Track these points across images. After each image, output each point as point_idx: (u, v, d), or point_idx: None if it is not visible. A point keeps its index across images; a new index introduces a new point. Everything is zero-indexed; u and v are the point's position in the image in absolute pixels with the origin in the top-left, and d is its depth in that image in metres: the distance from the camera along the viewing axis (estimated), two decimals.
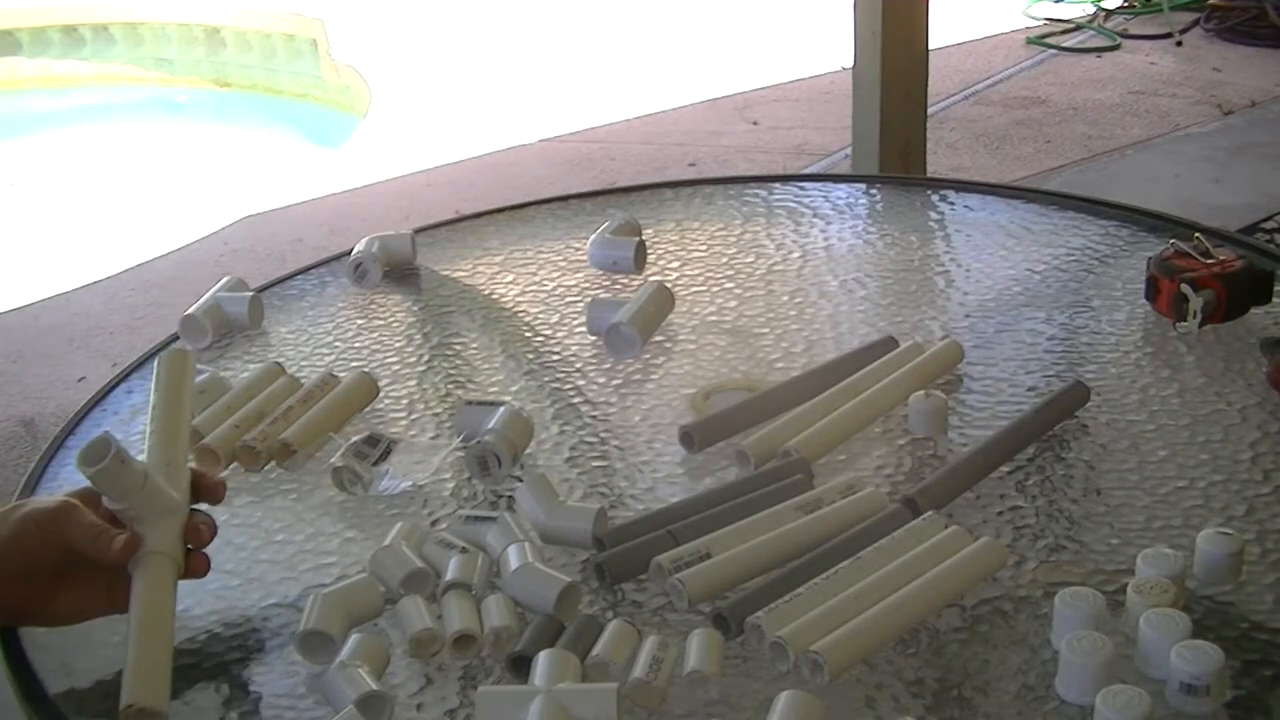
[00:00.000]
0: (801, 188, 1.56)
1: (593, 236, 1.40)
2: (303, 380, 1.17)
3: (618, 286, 1.36)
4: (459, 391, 1.19)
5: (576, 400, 1.16)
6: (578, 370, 1.21)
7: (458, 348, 1.28)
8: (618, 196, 1.65)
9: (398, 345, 1.28)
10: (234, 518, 1.04)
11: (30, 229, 4.39)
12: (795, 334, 1.24)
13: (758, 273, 1.36)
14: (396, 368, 1.24)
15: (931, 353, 1.14)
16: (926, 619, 0.86)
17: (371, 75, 5.47)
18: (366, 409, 1.16)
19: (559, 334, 1.28)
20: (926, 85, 3.21)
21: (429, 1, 6.39)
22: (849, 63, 3.22)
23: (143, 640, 0.83)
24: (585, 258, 1.40)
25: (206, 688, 0.87)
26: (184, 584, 0.90)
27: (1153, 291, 1.20)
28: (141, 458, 0.90)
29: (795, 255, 1.39)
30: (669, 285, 1.30)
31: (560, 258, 1.44)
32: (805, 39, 5.41)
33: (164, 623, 0.85)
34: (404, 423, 1.14)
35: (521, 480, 1.03)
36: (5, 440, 2.90)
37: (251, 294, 1.33)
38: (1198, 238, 1.21)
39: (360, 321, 1.33)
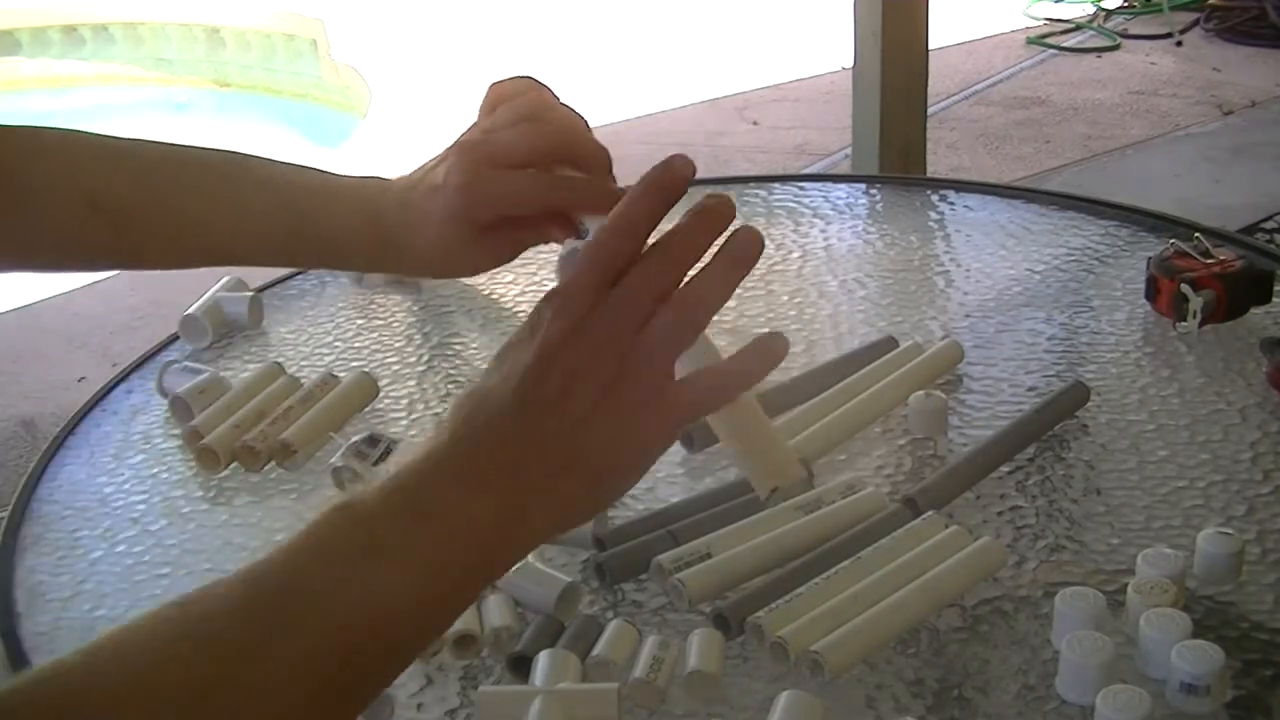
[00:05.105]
0: (801, 188, 1.56)
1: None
2: (303, 380, 1.17)
3: None
4: (459, 391, 1.19)
5: None
6: None
7: (458, 348, 1.28)
8: None
9: (398, 345, 1.28)
10: (234, 518, 1.04)
11: None
12: (795, 334, 1.23)
13: (757, 273, 1.36)
14: (396, 368, 1.24)
15: (931, 353, 1.14)
16: (926, 619, 0.86)
17: (371, 75, 5.47)
18: (366, 409, 1.16)
19: None
20: (926, 85, 3.21)
21: (429, 1, 6.40)
22: (849, 63, 3.22)
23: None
24: None
25: None
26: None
27: (1153, 291, 1.20)
28: None
29: (795, 255, 1.39)
30: None
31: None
32: (805, 39, 5.41)
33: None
34: (404, 423, 1.14)
35: None
36: (5, 440, 2.90)
37: (251, 294, 1.33)
38: (1198, 238, 1.21)
39: (360, 321, 1.33)
